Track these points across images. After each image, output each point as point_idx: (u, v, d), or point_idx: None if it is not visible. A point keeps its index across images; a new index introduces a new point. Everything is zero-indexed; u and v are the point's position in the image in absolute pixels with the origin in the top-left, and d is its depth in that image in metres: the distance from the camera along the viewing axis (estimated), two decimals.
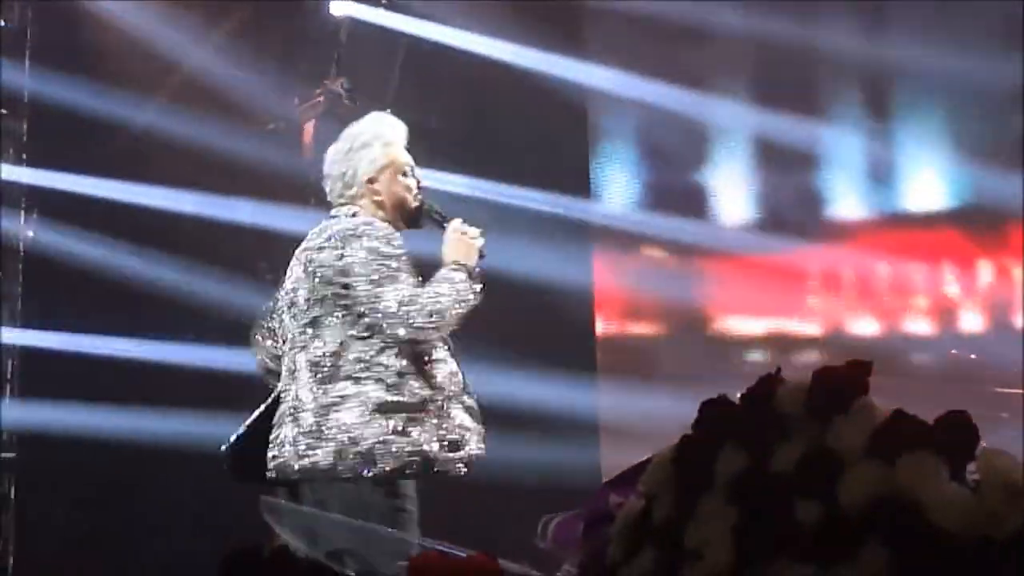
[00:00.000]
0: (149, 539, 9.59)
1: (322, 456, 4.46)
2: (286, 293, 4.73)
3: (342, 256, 4.56)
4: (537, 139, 9.43)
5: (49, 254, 9.71)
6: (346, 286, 4.54)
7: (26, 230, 9.91)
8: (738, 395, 2.19)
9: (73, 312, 9.48)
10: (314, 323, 4.57)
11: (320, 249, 4.65)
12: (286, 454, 4.55)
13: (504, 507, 7.74)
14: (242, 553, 2.28)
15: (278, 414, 4.61)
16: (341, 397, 4.48)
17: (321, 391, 4.50)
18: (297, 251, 4.83)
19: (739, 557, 2.06)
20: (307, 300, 4.60)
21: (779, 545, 2.03)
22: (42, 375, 9.63)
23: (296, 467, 4.52)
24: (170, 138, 9.94)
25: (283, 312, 4.71)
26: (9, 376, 9.78)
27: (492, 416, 8.68)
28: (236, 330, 9.85)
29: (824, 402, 2.10)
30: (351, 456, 4.42)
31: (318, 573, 2.32)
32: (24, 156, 9.95)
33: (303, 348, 4.57)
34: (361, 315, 4.51)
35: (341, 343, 4.50)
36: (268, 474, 4.59)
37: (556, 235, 9.47)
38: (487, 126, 9.65)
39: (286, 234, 10.85)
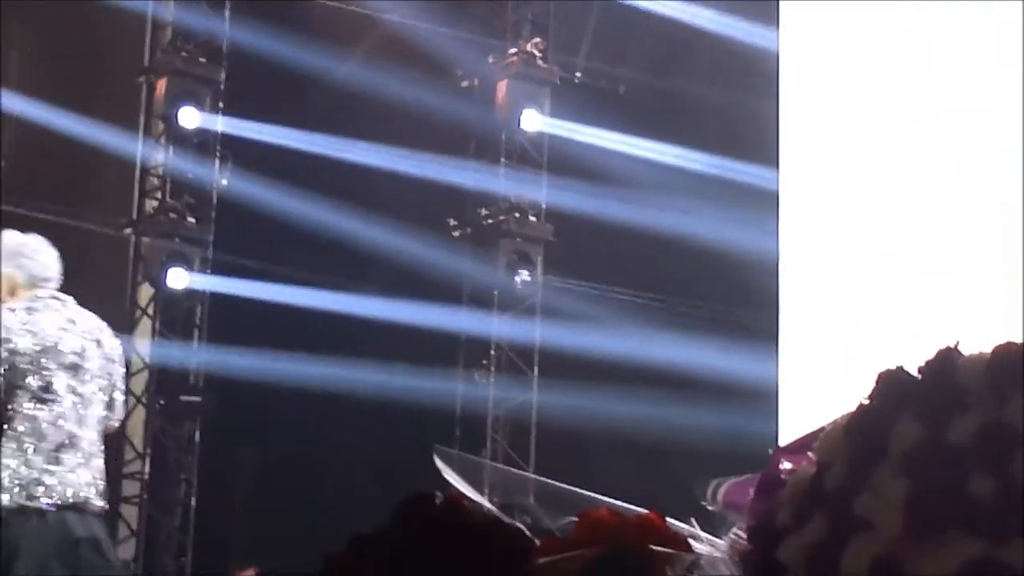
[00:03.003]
0: (325, 484, 9.78)
1: None
2: (69, 352, 5.04)
3: None
4: (726, 104, 9.38)
5: (241, 203, 9.92)
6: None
7: (220, 178, 10.15)
8: (916, 366, 2.17)
9: (262, 260, 9.68)
10: (103, 391, 5.21)
11: (109, 331, 5.29)
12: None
13: (675, 470, 7.74)
14: (416, 501, 2.32)
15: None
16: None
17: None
18: (72, 317, 5.17)
19: (910, 529, 2.05)
20: (100, 369, 5.18)
21: (951, 518, 2.01)
22: (230, 321, 9.87)
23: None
24: (365, 92, 10.09)
25: (58, 368, 4.96)
26: (198, 321, 10.02)
27: (671, 381, 8.69)
28: (423, 284, 9.99)
29: (1004, 376, 2.08)
30: None
31: (490, 523, 2.35)
32: (221, 105, 10.17)
33: (89, 406, 5.10)
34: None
35: None
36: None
37: (742, 202, 9.41)
38: (677, 88, 9.62)
39: (472, 191, 10.95)
